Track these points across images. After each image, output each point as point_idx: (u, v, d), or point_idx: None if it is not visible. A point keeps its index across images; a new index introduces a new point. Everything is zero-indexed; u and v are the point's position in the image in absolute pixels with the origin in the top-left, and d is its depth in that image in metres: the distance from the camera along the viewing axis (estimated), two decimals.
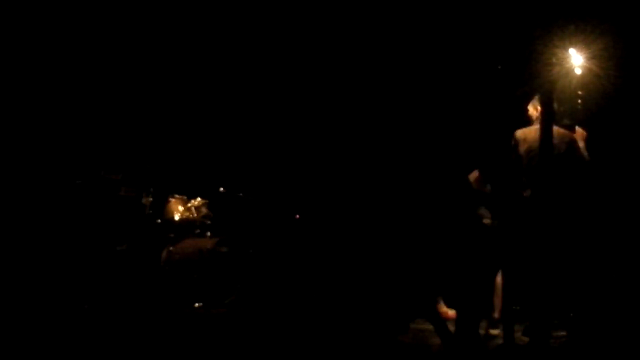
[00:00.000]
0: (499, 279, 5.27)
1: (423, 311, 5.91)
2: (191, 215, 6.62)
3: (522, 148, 5.08)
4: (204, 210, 6.72)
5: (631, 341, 4.54)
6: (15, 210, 5.94)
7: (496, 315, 5.29)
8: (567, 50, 5.29)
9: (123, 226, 6.31)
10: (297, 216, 7.11)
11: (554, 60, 4.46)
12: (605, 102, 5.82)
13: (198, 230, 6.64)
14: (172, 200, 6.62)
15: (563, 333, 4.97)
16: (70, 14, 6.64)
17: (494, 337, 5.11)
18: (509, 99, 5.50)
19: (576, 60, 5.42)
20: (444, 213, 5.64)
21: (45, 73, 6.58)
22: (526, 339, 4.73)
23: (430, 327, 4.97)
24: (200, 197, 6.74)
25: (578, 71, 5.46)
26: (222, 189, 6.91)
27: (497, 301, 5.27)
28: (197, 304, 6.04)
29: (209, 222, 6.71)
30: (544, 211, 4.24)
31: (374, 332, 5.18)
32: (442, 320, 4.89)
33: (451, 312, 5.91)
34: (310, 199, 7.12)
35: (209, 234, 6.64)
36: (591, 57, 5.49)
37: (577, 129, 5.21)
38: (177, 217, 6.58)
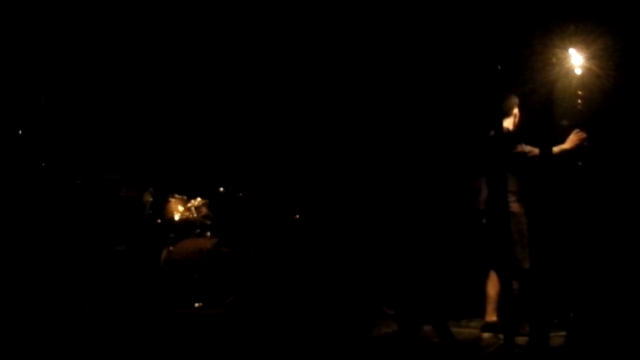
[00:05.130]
0: (491, 282, 5.28)
1: (424, 312, 5.91)
2: (191, 215, 6.61)
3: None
4: (204, 210, 6.71)
5: (631, 341, 4.54)
6: (15, 210, 5.94)
7: (487, 318, 5.29)
8: (567, 50, 5.30)
9: (123, 226, 6.31)
10: (297, 216, 7.10)
11: (554, 60, 4.46)
12: (605, 102, 5.82)
13: (198, 230, 6.64)
14: (172, 200, 6.62)
15: (563, 333, 4.97)
16: (70, 14, 6.64)
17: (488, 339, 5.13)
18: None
19: (576, 60, 5.43)
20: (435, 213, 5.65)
21: (45, 73, 6.57)
22: (525, 338, 4.74)
23: (430, 327, 4.97)
24: (200, 197, 6.74)
25: (578, 71, 5.46)
26: (222, 189, 6.90)
27: (490, 305, 5.27)
28: (197, 304, 6.04)
29: (209, 222, 6.71)
30: (541, 212, 4.24)
31: (372, 331, 5.18)
32: (442, 320, 4.89)
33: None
34: (310, 199, 7.12)
35: (209, 234, 6.63)
36: (591, 57, 5.49)
37: None
38: (177, 217, 6.58)
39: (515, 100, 5.45)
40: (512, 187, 5.27)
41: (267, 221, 7.02)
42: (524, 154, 5.25)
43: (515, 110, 5.47)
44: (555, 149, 5.16)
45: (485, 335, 5.26)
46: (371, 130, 6.32)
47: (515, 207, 5.24)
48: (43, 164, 6.24)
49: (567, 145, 5.27)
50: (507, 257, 4.63)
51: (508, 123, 5.43)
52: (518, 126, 5.49)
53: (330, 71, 6.87)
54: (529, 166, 5.23)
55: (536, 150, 5.19)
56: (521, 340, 4.60)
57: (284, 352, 4.57)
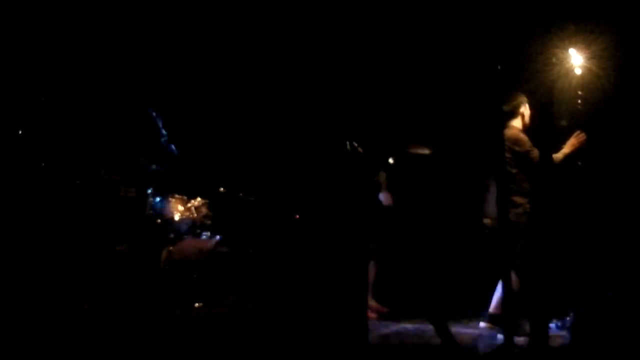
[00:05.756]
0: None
1: (424, 311, 5.92)
2: (191, 215, 6.61)
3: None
4: (204, 210, 6.71)
5: (631, 341, 4.54)
6: (15, 210, 5.94)
7: (492, 310, 5.30)
8: (567, 50, 5.30)
9: (123, 226, 6.30)
10: (297, 216, 7.10)
11: (554, 60, 4.46)
12: (605, 102, 5.83)
13: (198, 230, 6.64)
14: (172, 200, 6.61)
15: (563, 333, 4.98)
16: (70, 13, 6.64)
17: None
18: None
19: (576, 60, 5.43)
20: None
21: (45, 73, 6.58)
22: (525, 338, 4.74)
23: (430, 327, 4.97)
24: (200, 197, 6.73)
25: (578, 71, 5.47)
26: (222, 189, 6.90)
27: (498, 300, 5.28)
28: (197, 304, 6.04)
29: (209, 222, 6.71)
30: (543, 212, 4.24)
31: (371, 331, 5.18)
32: (442, 320, 4.89)
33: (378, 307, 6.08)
34: (310, 199, 7.12)
35: (209, 234, 6.63)
36: (591, 57, 5.50)
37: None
38: (177, 217, 6.57)
39: (521, 99, 5.40)
40: (526, 189, 5.26)
41: (267, 221, 7.02)
42: (527, 152, 5.23)
43: (522, 110, 5.41)
44: (558, 155, 5.15)
45: (486, 334, 5.26)
46: (374, 130, 6.32)
47: (529, 209, 5.23)
48: (43, 164, 6.24)
49: (567, 149, 5.26)
50: (507, 257, 4.63)
51: (517, 123, 5.39)
52: (529, 125, 5.43)
53: (331, 72, 6.88)
54: (530, 166, 5.23)
55: (536, 152, 5.18)
56: (521, 340, 4.61)
57: (284, 352, 4.58)
